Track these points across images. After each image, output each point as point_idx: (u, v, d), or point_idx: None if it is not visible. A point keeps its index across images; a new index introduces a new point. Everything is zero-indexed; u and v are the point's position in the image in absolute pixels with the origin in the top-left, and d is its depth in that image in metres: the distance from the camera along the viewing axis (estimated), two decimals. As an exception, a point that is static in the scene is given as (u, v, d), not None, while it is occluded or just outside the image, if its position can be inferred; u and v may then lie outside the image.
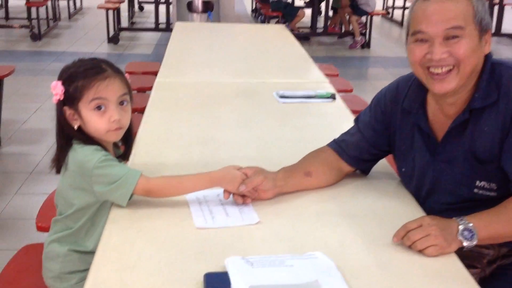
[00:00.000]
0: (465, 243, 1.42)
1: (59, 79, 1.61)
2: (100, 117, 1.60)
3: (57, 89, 1.59)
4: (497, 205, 1.53)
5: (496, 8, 9.13)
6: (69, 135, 1.63)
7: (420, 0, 1.56)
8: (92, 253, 1.43)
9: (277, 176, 1.72)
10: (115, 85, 1.62)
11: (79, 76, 1.59)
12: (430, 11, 1.52)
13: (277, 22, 8.64)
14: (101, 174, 1.56)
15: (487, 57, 1.59)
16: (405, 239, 1.43)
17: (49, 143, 4.32)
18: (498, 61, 1.61)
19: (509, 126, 1.53)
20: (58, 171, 1.67)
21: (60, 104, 1.61)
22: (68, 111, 1.61)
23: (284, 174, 1.74)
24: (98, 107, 1.59)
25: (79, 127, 1.62)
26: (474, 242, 1.43)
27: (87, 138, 1.62)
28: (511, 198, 1.53)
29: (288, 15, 9.00)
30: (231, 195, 1.65)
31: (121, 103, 1.63)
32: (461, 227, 1.43)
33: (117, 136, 1.67)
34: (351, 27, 9.08)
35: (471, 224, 1.43)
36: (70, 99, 1.60)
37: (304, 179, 1.77)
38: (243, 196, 1.65)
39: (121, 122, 1.63)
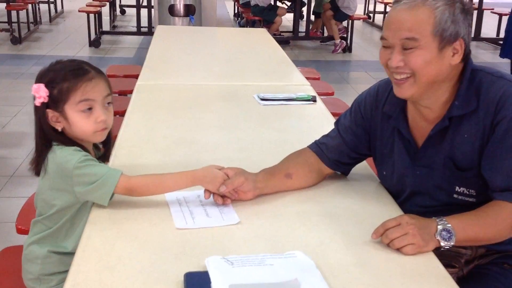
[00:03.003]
0: (442, 243, 1.44)
1: (39, 81, 1.59)
2: (86, 118, 1.60)
3: (40, 92, 1.57)
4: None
5: (475, 12, 9.24)
6: (48, 137, 1.62)
7: (393, 6, 1.57)
8: (71, 254, 1.42)
9: (258, 178, 1.72)
10: (101, 85, 1.62)
11: (63, 78, 1.58)
12: (391, 18, 1.55)
13: (257, 27, 8.66)
14: (81, 174, 1.55)
15: (467, 63, 1.59)
16: (383, 237, 1.44)
17: (29, 147, 4.28)
18: (478, 67, 1.60)
19: (488, 133, 1.54)
20: (37, 174, 1.66)
21: (43, 107, 1.59)
22: (51, 114, 1.60)
23: (264, 175, 1.75)
24: (87, 108, 1.59)
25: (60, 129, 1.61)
26: (452, 243, 1.44)
27: (67, 140, 1.62)
28: (491, 203, 1.54)
29: (266, 20, 9.04)
30: (211, 195, 1.66)
31: (106, 103, 1.64)
32: (440, 227, 1.44)
33: (102, 137, 1.67)
34: (332, 31, 9.13)
35: (449, 225, 1.45)
36: (54, 102, 1.58)
37: (285, 181, 1.77)
38: (223, 196, 1.65)
39: (107, 123, 1.64)
